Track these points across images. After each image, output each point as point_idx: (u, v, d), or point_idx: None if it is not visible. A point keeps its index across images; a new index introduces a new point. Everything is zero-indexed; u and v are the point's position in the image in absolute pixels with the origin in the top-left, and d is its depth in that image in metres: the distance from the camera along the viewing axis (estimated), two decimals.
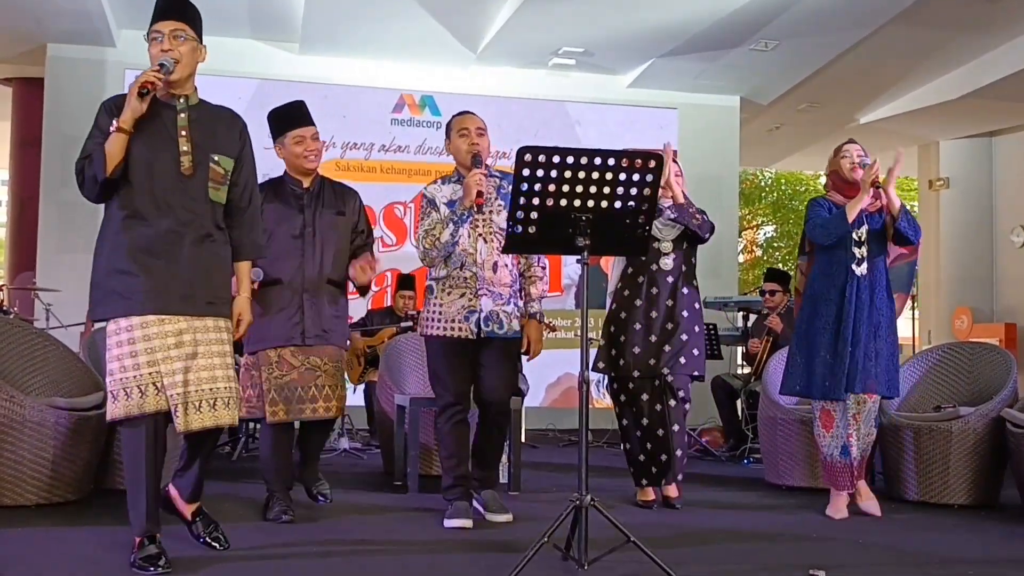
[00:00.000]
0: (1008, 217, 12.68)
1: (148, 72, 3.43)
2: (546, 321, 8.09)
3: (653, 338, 5.13)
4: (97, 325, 7.34)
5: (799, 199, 21.66)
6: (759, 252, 23.41)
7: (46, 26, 9.23)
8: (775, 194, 22.24)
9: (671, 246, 5.20)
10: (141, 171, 3.53)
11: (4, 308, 7.89)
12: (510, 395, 4.78)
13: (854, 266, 4.89)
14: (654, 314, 5.14)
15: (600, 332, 5.44)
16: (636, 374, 5.12)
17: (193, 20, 3.64)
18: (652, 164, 3.58)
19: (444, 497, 4.65)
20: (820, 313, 4.93)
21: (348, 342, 4.94)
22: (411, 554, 3.97)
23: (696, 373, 5.17)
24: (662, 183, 5.05)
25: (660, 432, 5.12)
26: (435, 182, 4.81)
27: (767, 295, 8.01)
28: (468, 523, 4.47)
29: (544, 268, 4.80)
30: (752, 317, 8.48)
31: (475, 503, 4.71)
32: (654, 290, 5.17)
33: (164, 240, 3.53)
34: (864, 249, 4.92)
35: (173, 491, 3.92)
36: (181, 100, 3.62)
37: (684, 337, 5.13)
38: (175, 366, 3.50)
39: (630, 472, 5.29)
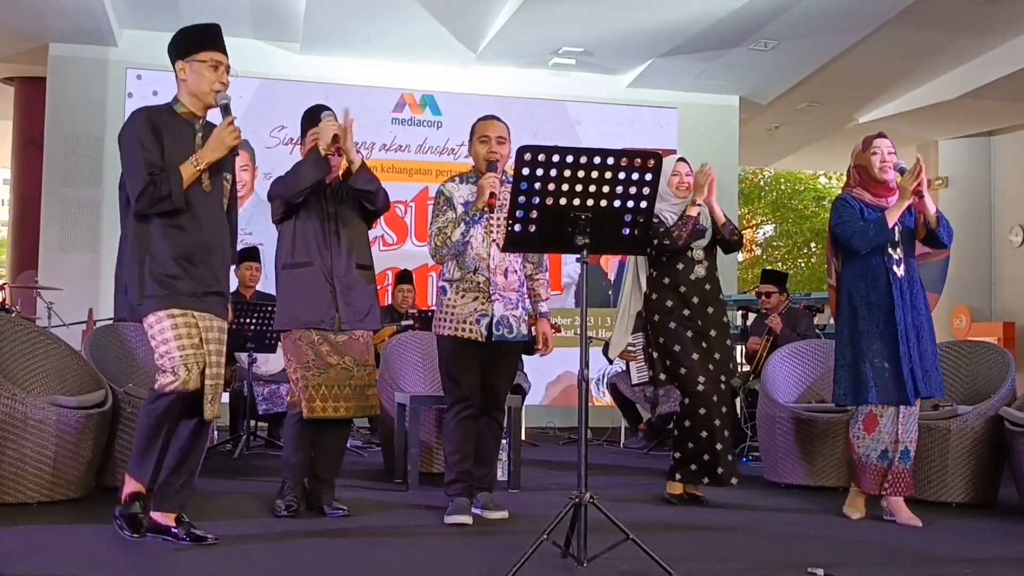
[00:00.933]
0: (1007, 216, 12.70)
1: (234, 131, 3.88)
2: (554, 322, 8.15)
3: (705, 345, 5.18)
4: (99, 323, 7.37)
5: (798, 198, 21.68)
6: (758, 251, 23.41)
7: (48, 25, 9.25)
8: (774, 193, 22.25)
9: (703, 254, 5.24)
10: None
11: (6, 306, 7.91)
12: (507, 393, 4.89)
13: (894, 267, 4.80)
14: (700, 322, 5.19)
15: (644, 345, 5.40)
16: (701, 379, 5.13)
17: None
18: (651, 163, 3.59)
19: (446, 492, 4.69)
20: (863, 317, 4.80)
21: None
22: (411, 551, 3.99)
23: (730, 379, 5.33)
24: (701, 200, 5.07)
25: (727, 434, 5.18)
26: (453, 180, 4.84)
27: (763, 297, 8.01)
28: (468, 519, 4.51)
29: (546, 271, 4.92)
30: (751, 316, 8.49)
31: (472, 507, 4.71)
32: (696, 299, 5.19)
33: (200, 248, 3.86)
34: (900, 250, 4.85)
35: (156, 515, 3.93)
36: (200, 123, 3.96)
37: (728, 343, 5.27)
38: (212, 359, 3.85)
39: (688, 470, 5.19)
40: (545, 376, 10.25)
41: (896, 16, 8.68)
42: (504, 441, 5.68)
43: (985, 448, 5.34)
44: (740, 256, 20.53)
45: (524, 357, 8.33)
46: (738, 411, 7.83)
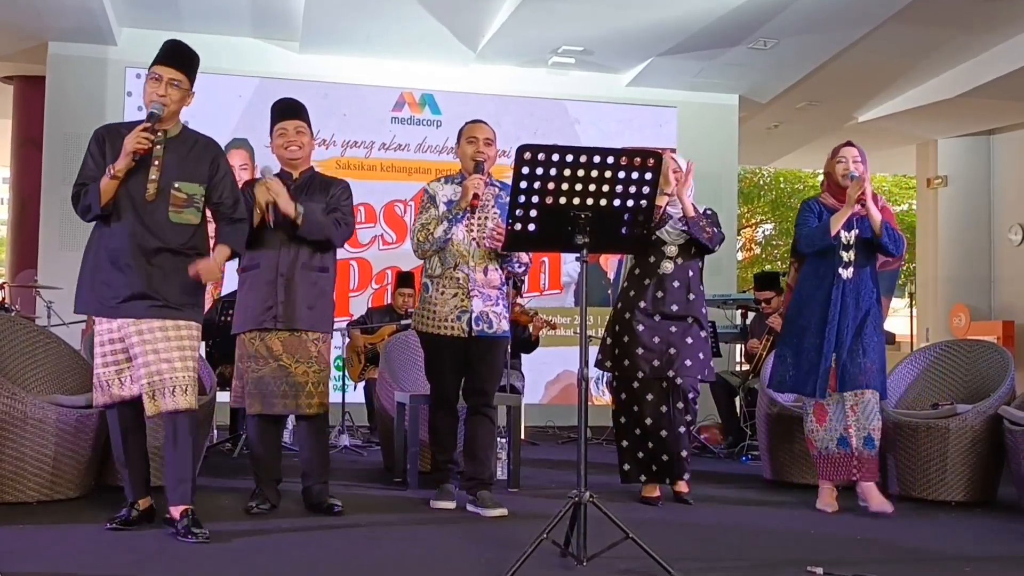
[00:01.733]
0: (1006, 215, 12.70)
1: (140, 136, 4.00)
2: (544, 318, 8.16)
3: (657, 340, 5.15)
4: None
5: (798, 197, 21.66)
6: (758, 250, 23.42)
7: (47, 24, 9.24)
8: (774, 192, 22.25)
9: (677, 250, 5.22)
10: (121, 191, 4.10)
11: (5, 305, 7.91)
12: (495, 389, 5.00)
13: (841, 269, 5.02)
14: (658, 317, 5.17)
15: (604, 329, 5.46)
16: (640, 375, 5.15)
17: (192, 70, 4.23)
18: (651, 162, 3.59)
19: (434, 479, 5.10)
20: (804, 313, 5.10)
21: (341, 333, 4.95)
22: (410, 549, 3.99)
23: (701, 377, 5.22)
24: (670, 191, 5.12)
25: (664, 433, 5.15)
26: (438, 180, 5.03)
27: (763, 303, 8.01)
28: (451, 505, 4.88)
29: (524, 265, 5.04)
30: (751, 315, 8.50)
31: (470, 506, 4.80)
32: (659, 293, 5.19)
33: (130, 254, 4.08)
34: (851, 253, 5.03)
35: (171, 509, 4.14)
36: (160, 134, 4.14)
37: (689, 340, 5.17)
38: (149, 358, 4.06)
39: (621, 469, 5.30)
40: (544, 375, 10.25)
41: (895, 14, 8.68)
42: (503, 440, 5.69)
43: (984, 447, 5.34)
44: (740, 255, 20.55)
45: (523, 356, 8.36)
46: (737, 410, 7.85)
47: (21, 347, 5.26)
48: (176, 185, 4.15)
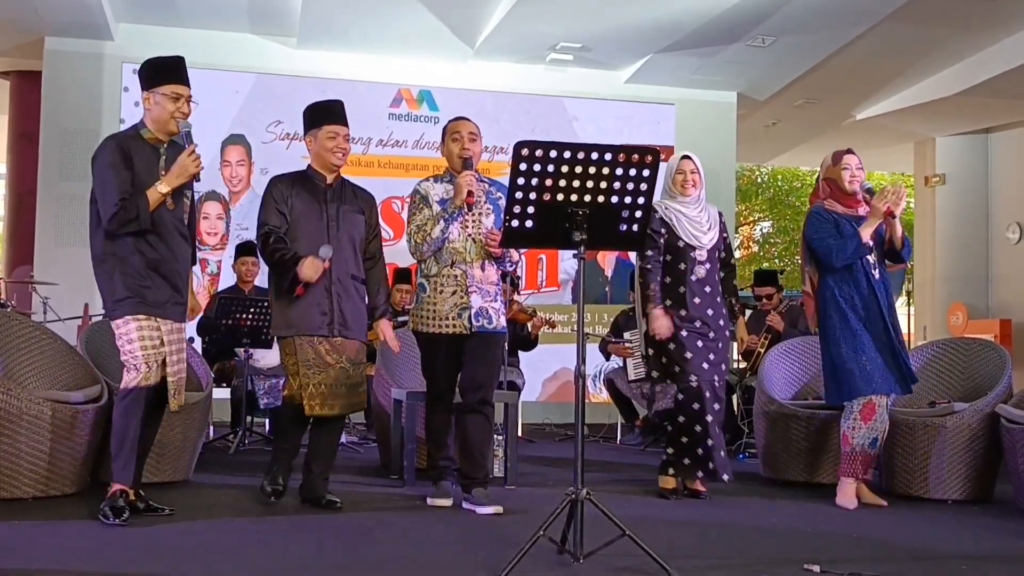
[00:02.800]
0: (1003, 213, 12.71)
1: (196, 161, 4.26)
2: (546, 317, 8.16)
3: (700, 344, 5.18)
4: (95, 318, 7.36)
5: (796, 195, 21.69)
6: (755, 248, 23.42)
7: (44, 19, 9.22)
8: (772, 190, 22.27)
9: (705, 255, 5.23)
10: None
11: (2, 301, 7.90)
12: (493, 386, 4.99)
13: (873, 271, 5.10)
14: (698, 323, 5.18)
15: (642, 344, 5.40)
16: (693, 379, 5.15)
17: None
18: (649, 159, 3.58)
19: (430, 477, 5.11)
20: (852, 316, 5.06)
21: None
22: (407, 547, 3.99)
23: (728, 379, 5.35)
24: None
25: (718, 430, 5.19)
26: (428, 179, 5.03)
27: (763, 300, 8.01)
28: (448, 503, 4.87)
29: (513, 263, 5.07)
30: (748, 312, 8.49)
31: (465, 503, 4.80)
32: (696, 300, 5.20)
33: (165, 261, 4.29)
34: (874, 255, 5.13)
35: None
36: (163, 146, 4.35)
37: (720, 345, 5.26)
38: (173, 357, 4.34)
39: (680, 464, 5.25)
40: (542, 372, 10.25)
41: (893, 12, 8.68)
42: (500, 437, 5.69)
43: (981, 445, 5.34)
44: (737, 253, 20.55)
45: (520, 353, 8.35)
46: (735, 408, 7.84)
47: (17, 343, 5.25)
48: (186, 193, 4.42)
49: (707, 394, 5.15)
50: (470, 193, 4.71)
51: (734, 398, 7.88)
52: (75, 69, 9.70)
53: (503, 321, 4.94)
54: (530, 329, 8.15)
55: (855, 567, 3.59)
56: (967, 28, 9.34)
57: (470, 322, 4.78)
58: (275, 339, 5.02)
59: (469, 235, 4.82)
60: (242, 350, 7.09)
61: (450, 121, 5.01)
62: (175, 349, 4.34)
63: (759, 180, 22.30)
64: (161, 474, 5.28)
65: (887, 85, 11.11)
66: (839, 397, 5.11)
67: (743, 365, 8.08)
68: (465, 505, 4.78)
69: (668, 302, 5.21)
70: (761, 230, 23.82)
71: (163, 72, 4.33)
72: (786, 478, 5.91)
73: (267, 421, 7.64)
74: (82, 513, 4.44)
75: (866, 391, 4.99)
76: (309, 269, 4.54)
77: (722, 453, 5.19)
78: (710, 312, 5.21)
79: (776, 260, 21.70)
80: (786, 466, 5.93)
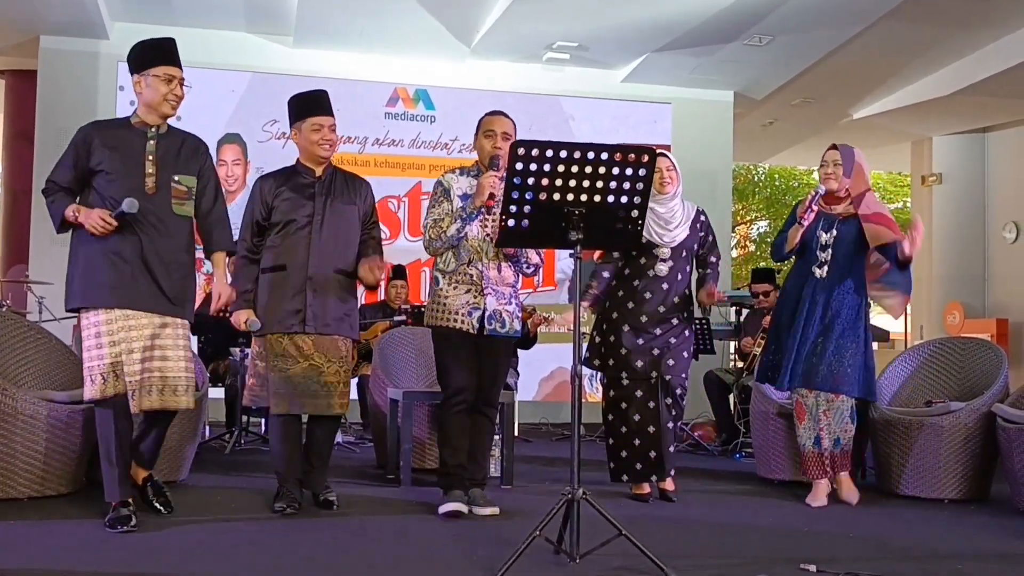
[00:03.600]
0: (1000, 213, 12.71)
1: (104, 221, 4.02)
2: (542, 315, 8.15)
3: (641, 341, 5.16)
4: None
5: (792, 194, 21.67)
6: (752, 247, 23.42)
7: (39, 18, 9.20)
8: (768, 189, 22.25)
9: (669, 252, 5.21)
10: (115, 187, 4.10)
11: None
12: (499, 390, 4.87)
13: (815, 268, 5.18)
14: (644, 318, 5.17)
15: (592, 327, 5.45)
16: (624, 375, 5.16)
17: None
18: (645, 159, 3.58)
19: (439, 484, 4.72)
20: (784, 310, 5.29)
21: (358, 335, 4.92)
22: (404, 547, 3.98)
23: (684, 378, 5.25)
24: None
25: (651, 429, 5.15)
26: (453, 171, 4.82)
27: (760, 297, 8.02)
28: (463, 508, 4.56)
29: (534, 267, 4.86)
30: (744, 312, 8.49)
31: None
32: (648, 295, 5.19)
33: (131, 247, 4.10)
34: (828, 253, 5.17)
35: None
36: (152, 130, 4.22)
37: (673, 341, 5.20)
38: (135, 356, 4.09)
39: (608, 467, 5.33)
40: (538, 372, 10.24)
41: (890, 12, 8.68)
42: (496, 437, 5.67)
43: (978, 444, 5.34)
44: (734, 252, 20.55)
45: (519, 351, 8.34)
46: (732, 408, 7.84)
47: (12, 343, 5.24)
48: (176, 178, 4.22)
49: (637, 392, 5.15)
50: (491, 196, 4.52)
51: (731, 398, 7.88)
52: (71, 68, 9.68)
53: (517, 324, 4.75)
54: (528, 327, 8.14)
55: (851, 567, 3.58)
56: (964, 27, 9.34)
57: (480, 323, 4.61)
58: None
59: (488, 235, 4.64)
60: (237, 349, 7.07)
61: (486, 115, 4.79)
62: (136, 347, 4.08)
63: (756, 179, 22.29)
64: (157, 474, 5.24)
65: (884, 84, 11.11)
66: (756, 378, 5.54)
67: (740, 365, 8.08)
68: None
69: (619, 292, 5.24)
70: (758, 229, 23.82)
71: (154, 54, 4.21)
72: (782, 478, 5.91)
73: (263, 421, 7.63)
74: (77, 513, 4.43)
75: (771, 381, 5.30)
76: (235, 319, 4.66)
77: (651, 454, 5.15)
78: (661, 309, 5.18)
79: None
80: (782, 466, 5.92)
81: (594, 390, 9.78)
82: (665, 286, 5.20)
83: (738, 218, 21.91)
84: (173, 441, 5.35)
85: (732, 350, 9.09)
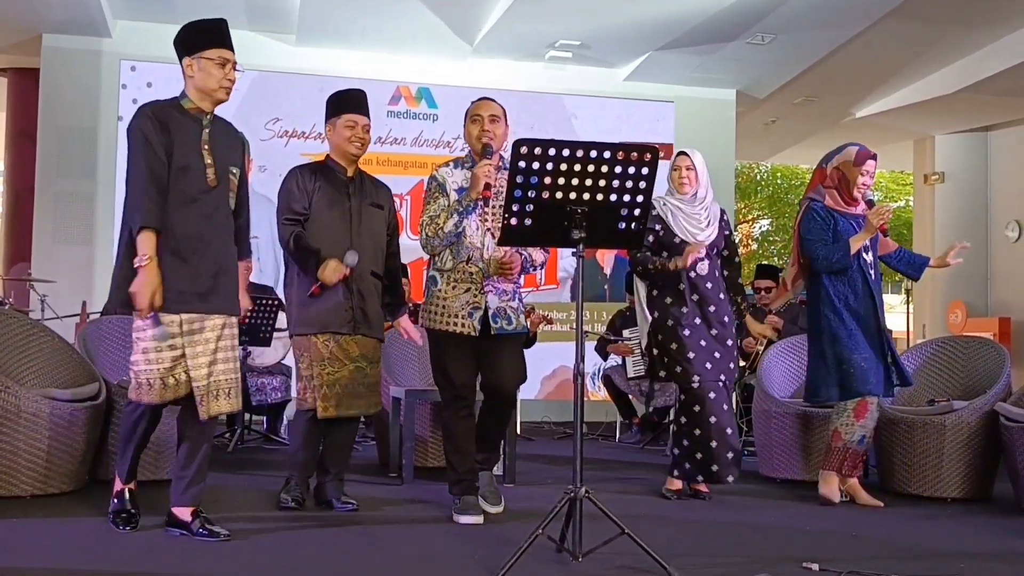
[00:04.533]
0: (1003, 212, 12.70)
1: (148, 300, 3.70)
2: (542, 314, 8.14)
3: (704, 343, 5.14)
4: (93, 316, 7.35)
5: (795, 193, 21.66)
6: (754, 246, 23.41)
7: (42, 16, 9.20)
8: (771, 188, 22.24)
9: (703, 252, 5.19)
10: (177, 176, 3.82)
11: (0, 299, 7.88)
12: (518, 386, 4.74)
13: (871, 271, 5.10)
14: (698, 320, 5.15)
15: (645, 343, 5.33)
16: (696, 379, 5.10)
17: None
18: (648, 157, 3.57)
19: (450, 492, 4.59)
20: (847, 316, 5.06)
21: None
22: (406, 546, 3.98)
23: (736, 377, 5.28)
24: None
25: (729, 431, 5.12)
26: (447, 165, 4.67)
27: (762, 292, 8.01)
28: (479, 519, 4.42)
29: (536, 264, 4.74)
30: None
31: None
32: (695, 296, 5.17)
33: (192, 243, 3.83)
34: (871, 254, 5.14)
35: (176, 510, 3.98)
36: (207, 117, 3.97)
37: (729, 343, 5.21)
38: (200, 360, 3.84)
39: (682, 467, 5.22)
40: (541, 370, 10.23)
41: (893, 10, 8.66)
42: None
43: (980, 443, 5.34)
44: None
45: None
46: (734, 406, 7.83)
47: (15, 341, 5.24)
48: (232, 170, 4.01)
49: (711, 395, 5.07)
50: (487, 185, 4.35)
51: (733, 396, 7.87)
52: (73, 66, 9.68)
53: (523, 320, 4.62)
54: (529, 327, 8.13)
55: (854, 565, 3.58)
56: (967, 25, 9.32)
57: (482, 324, 4.46)
58: (291, 336, 4.79)
59: (488, 229, 4.46)
60: (240, 348, 7.06)
61: (473, 102, 4.71)
62: (206, 349, 3.83)
63: (758, 178, 22.28)
64: (160, 472, 5.27)
65: (886, 83, 11.10)
66: (817, 395, 5.15)
67: (742, 364, 8.07)
68: None
69: (667, 299, 5.18)
70: (760, 228, 23.81)
71: (207, 35, 3.98)
72: (785, 476, 5.91)
73: (265, 419, 7.63)
74: (80, 511, 4.43)
75: (862, 390, 4.99)
76: (332, 274, 4.45)
77: (729, 455, 5.10)
78: (712, 308, 5.17)
79: (774, 258, 21.68)
80: (785, 465, 5.92)
81: (596, 389, 9.79)
82: (709, 285, 5.19)
83: (740, 217, 21.90)
84: (175, 439, 5.34)
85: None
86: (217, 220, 3.91)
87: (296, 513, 4.53)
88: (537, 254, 4.66)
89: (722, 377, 5.14)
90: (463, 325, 4.46)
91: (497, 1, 9.02)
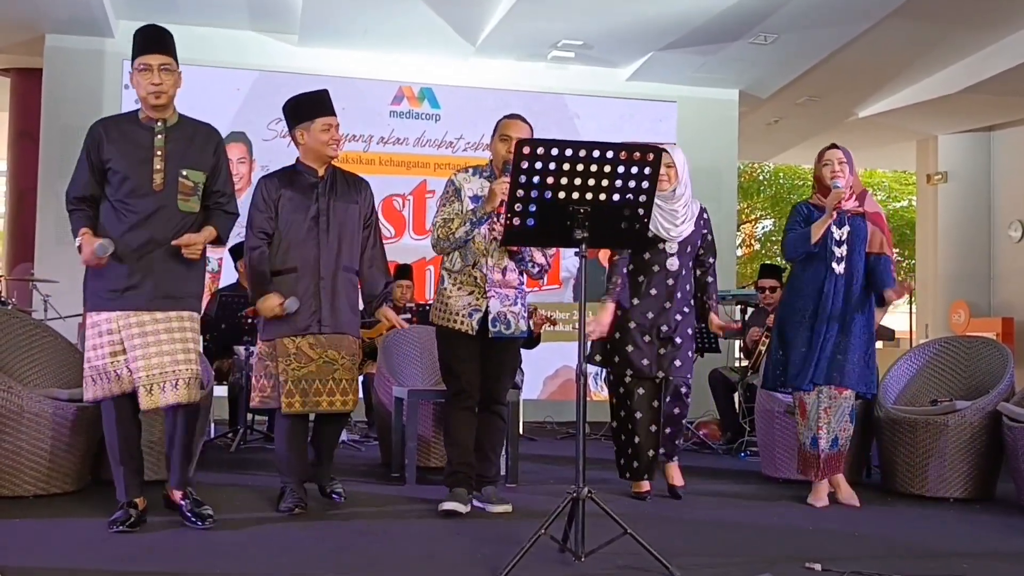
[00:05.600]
0: (1006, 211, 12.69)
1: (92, 257, 3.99)
2: (546, 314, 8.15)
3: (647, 339, 5.15)
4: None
5: (797, 193, 21.65)
6: (757, 246, 23.40)
7: (44, 16, 9.21)
8: (773, 188, 22.23)
9: (676, 247, 5.19)
10: (124, 186, 4.08)
11: (2, 299, 7.89)
12: (507, 389, 4.90)
13: (834, 264, 5.08)
14: (650, 314, 5.15)
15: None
16: (629, 372, 5.14)
17: (174, 51, 4.19)
18: (650, 157, 3.57)
19: (445, 483, 4.71)
20: (797, 308, 5.14)
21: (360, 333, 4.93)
22: (409, 546, 3.98)
23: (688, 376, 5.24)
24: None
25: (652, 428, 5.15)
26: (466, 170, 4.82)
27: (766, 292, 8.01)
28: (461, 508, 4.55)
29: (539, 266, 4.85)
30: (750, 311, 8.48)
31: (476, 501, 4.75)
32: (653, 290, 5.17)
33: (133, 244, 4.05)
34: (844, 249, 5.09)
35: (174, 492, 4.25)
36: (159, 123, 4.15)
37: (678, 340, 5.18)
38: (137, 352, 4.02)
39: (618, 464, 5.30)
40: (543, 370, 10.24)
41: (896, 10, 8.66)
42: None
43: (983, 443, 5.33)
44: (739, 251, 20.54)
45: (523, 351, 8.34)
46: (736, 406, 7.83)
47: (18, 341, 5.25)
48: (184, 173, 4.14)
49: (639, 391, 5.14)
50: (503, 203, 4.45)
51: (735, 396, 7.88)
52: (76, 66, 9.69)
53: (523, 324, 4.77)
54: (532, 327, 8.13)
55: (856, 565, 3.58)
56: (970, 25, 9.32)
57: (482, 325, 4.65)
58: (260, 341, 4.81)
59: (495, 238, 4.66)
60: (242, 347, 7.07)
61: (504, 118, 4.83)
62: (147, 342, 4.01)
63: (761, 178, 22.27)
64: (162, 472, 5.25)
65: (889, 83, 11.09)
66: (763, 382, 5.33)
67: (744, 363, 8.07)
68: (475, 503, 4.75)
69: (627, 291, 5.21)
70: (763, 228, 23.80)
71: (135, 45, 4.16)
72: (787, 477, 5.90)
73: (268, 419, 7.63)
74: (83, 511, 4.44)
75: (787, 383, 5.15)
76: (267, 311, 4.55)
77: (650, 453, 5.15)
78: (667, 305, 5.16)
79: (777, 258, 21.67)
80: (787, 464, 5.92)
81: (599, 388, 9.79)
82: (671, 281, 5.18)
83: (743, 216, 21.89)
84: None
85: (737, 349, 9.08)
86: (157, 221, 4.09)
87: (298, 513, 4.53)
88: (537, 255, 4.78)
89: (660, 375, 5.14)
90: (463, 323, 4.65)
91: (500, 1, 9.02)
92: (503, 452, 5.63)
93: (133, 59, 4.14)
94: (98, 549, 3.72)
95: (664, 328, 5.15)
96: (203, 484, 5.28)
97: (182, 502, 4.19)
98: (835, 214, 5.02)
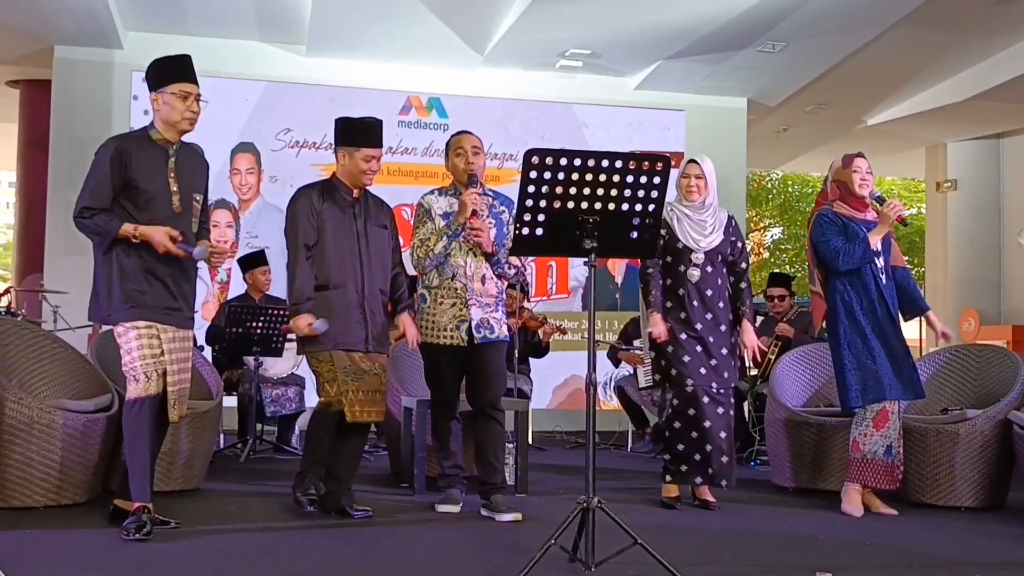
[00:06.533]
0: (1015, 219, 12.66)
1: (172, 243, 4.09)
2: (555, 324, 8.15)
3: (700, 349, 5.15)
4: (104, 328, 7.37)
5: (806, 201, 21.66)
6: (766, 254, 23.39)
7: (53, 28, 9.26)
8: (782, 196, 22.24)
9: (703, 258, 5.20)
10: (144, 205, 4.16)
11: (12, 310, 7.91)
12: (501, 392, 5.04)
13: (881, 275, 5.09)
14: (699, 326, 5.16)
15: (643, 345, 5.41)
16: (689, 382, 5.13)
17: None
18: (660, 167, 3.57)
19: (438, 486, 5.12)
20: (862, 321, 5.05)
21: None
22: (419, 554, 3.98)
23: (735, 384, 5.28)
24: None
25: (723, 435, 5.15)
26: (431, 192, 5.07)
27: (775, 300, 8.00)
28: (455, 508, 4.91)
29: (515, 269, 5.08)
30: (759, 319, 8.46)
31: (484, 510, 4.80)
32: (695, 302, 5.18)
33: (164, 265, 4.17)
34: (882, 259, 5.12)
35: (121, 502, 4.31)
36: (172, 147, 4.26)
37: (724, 352, 5.20)
38: (173, 367, 4.19)
39: (677, 470, 5.20)
40: (552, 380, 10.23)
41: (905, 18, 8.66)
42: (511, 444, 5.67)
43: (994, 452, 5.31)
44: (748, 259, 20.54)
45: (531, 360, 8.34)
46: (746, 415, 7.81)
47: (28, 352, 5.25)
48: (196, 197, 4.34)
49: (704, 399, 5.13)
50: (474, 212, 4.76)
51: (745, 405, 7.86)
52: (84, 77, 9.74)
53: (504, 329, 5.01)
54: (541, 336, 8.13)
55: (867, 574, 3.57)
56: (978, 33, 9.31)
57: (469, 334, 4.86)
58: (300, 348, 4.97)
59: (470, 249, 4.87)
60: (251, 358, 7.08)
61: (453, 136, 5.08)
62: (176, 358, 4.21)
63: (769, 186, 22.27)
64: (172, 483, 5.27)
65: (898, 90, 11.09)
66: (845, 403, 5.10)
67: (754, 372, 8.06)
68: (484, 513, 4.78)
69: (668, 304, 5.21)
70: (771, 236, 23.79)
71: (170, 71, 4.25)
72: (798, 485, 5.88)
73: (276, 429, 7.63)
74: (93, 522, 4.43)
75: (879, 397, 4.98)
76: (299, 329, 4.61)
77: (724, 459, 5.14)
78: (709, 316, 5.18)
79: (786, 266, 21.65)
80: (798, 473, 5.90)
81: (608, 398, 9.77)
82: (709, 292, 5.19)
83: (751, 225, 21.89)
84: (188, 450, 5.36)
85: (747, 358, 9.05)
86: (183, 243, 4.19)
87: (308, 521, 4.54)
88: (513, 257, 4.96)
89: (714, 385, 5.14)
90: (452, 337, 4.90)
91: (507, 10, 9.04)
92: (513, 462, 5.65)
93: (167, 82, 4.20)
94: (108, 560, 3.72)
95: (711, 339, 5.17)
96: (214, 493, 5.30)
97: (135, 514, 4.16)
98: (891, 225, 5.03)
